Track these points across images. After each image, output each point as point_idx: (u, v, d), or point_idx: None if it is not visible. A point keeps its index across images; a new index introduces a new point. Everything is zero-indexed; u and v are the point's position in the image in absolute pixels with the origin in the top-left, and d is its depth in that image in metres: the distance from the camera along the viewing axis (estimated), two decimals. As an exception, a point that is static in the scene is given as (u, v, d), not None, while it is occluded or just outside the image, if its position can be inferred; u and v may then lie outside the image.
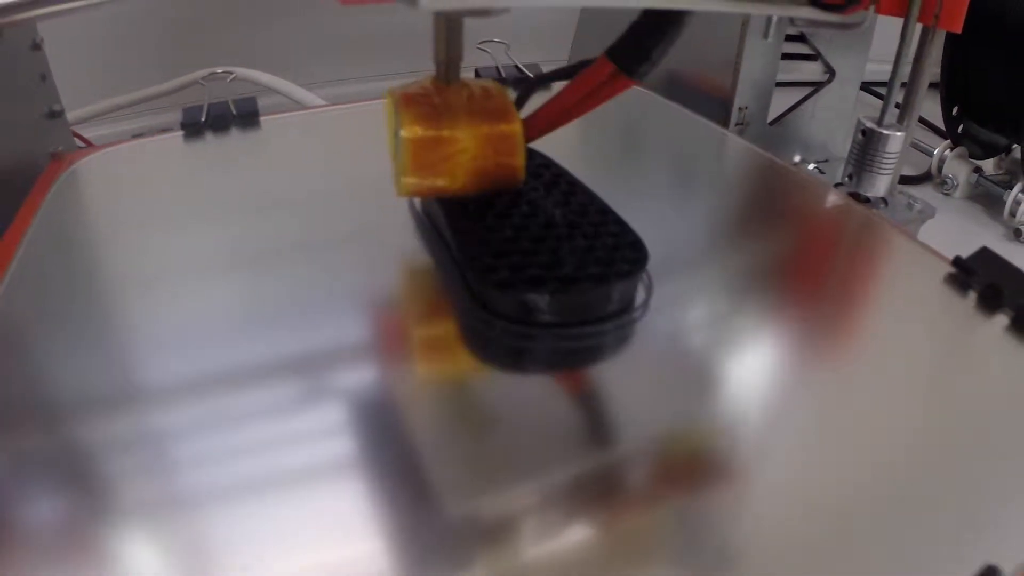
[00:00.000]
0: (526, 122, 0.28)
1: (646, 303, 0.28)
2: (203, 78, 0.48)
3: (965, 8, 0.43)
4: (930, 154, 0.78)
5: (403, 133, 0.26)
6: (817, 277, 0.34)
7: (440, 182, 0.28)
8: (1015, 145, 0.71)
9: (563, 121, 0.28)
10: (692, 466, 0.23)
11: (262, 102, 0.46)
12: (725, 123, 0.51)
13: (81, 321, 0.28)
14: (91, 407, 0.24)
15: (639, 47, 0.24)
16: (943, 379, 0.28)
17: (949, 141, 0.76)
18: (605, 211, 0.29)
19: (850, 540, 0.21)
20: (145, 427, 0.23)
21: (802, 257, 0.36)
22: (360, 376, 0.26)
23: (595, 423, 0.24)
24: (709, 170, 0.44)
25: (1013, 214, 0.68)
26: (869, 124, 0.47)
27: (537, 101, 0.30)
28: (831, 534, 0.21)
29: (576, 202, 0.30)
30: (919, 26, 0.44)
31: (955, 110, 0.77)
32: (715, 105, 0.52)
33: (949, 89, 0.77)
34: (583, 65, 0.27)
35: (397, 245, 0.33)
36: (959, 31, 0.44)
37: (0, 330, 0.28)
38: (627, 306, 0.28)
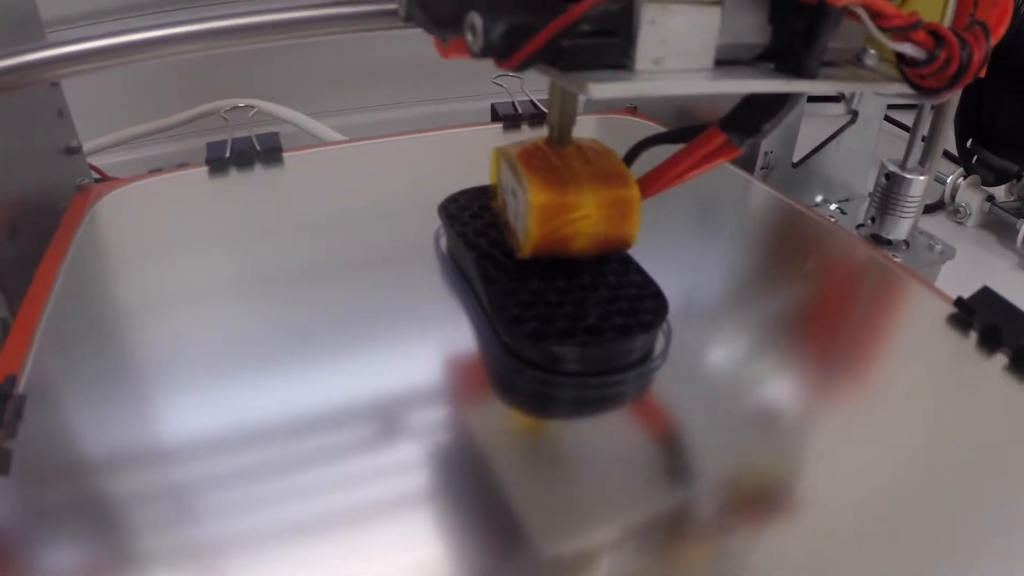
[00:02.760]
0: (639, 184, 0.28)
1: (665, 352, 0.29)
2: (224, 112, 0.48)
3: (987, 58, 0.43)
4: (943, 182, 0.78)
5: (529, 198, 0.26)
6: (830, 322, 0.34)
7: (561, 246, 0.28)
8: (1026, 173, 0.71)
9: (673, 184, 0.29)
10: (709, 500, 0.24)
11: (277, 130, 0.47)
12: (751, 166, 0.51)
13: (121, 353, 0.29)
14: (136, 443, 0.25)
15: (752, 122, 0.25)
16: (945, 416, 0.28)
17: (962, 169, 0.76)
18: (626, 260, 0.30)
19: (859, 566, 0.21)
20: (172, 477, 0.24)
21: (816, 303, 0.36)
22: (390, 419, 0.26)
23: (615, 462, 0.25)
24: (730, 217, 0.44)
25: None
26: (893, 168, 0.46)
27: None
28: (841, 561, 0.22)
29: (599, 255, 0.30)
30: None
31: (969, 142, 0.77)
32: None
33: (963, 121, 0.76)
34: (691, 130, 0.27)
35: (425, 286, 0.33)
36: (983, 74, 0.44)
37: (44, 363, 0.28)
38: (648, 355, 0.28)
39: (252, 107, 0.50)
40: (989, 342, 0.31)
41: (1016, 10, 0.67)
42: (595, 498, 0.23)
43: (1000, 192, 0.76)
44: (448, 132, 0.47)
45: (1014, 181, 0.74)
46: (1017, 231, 0.69)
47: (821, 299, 0.36)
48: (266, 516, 0.22)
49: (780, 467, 0.25)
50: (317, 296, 0.33)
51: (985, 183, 0.76)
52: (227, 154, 0.44)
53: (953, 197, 0.76)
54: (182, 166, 0.45)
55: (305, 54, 0.71)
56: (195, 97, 0.65)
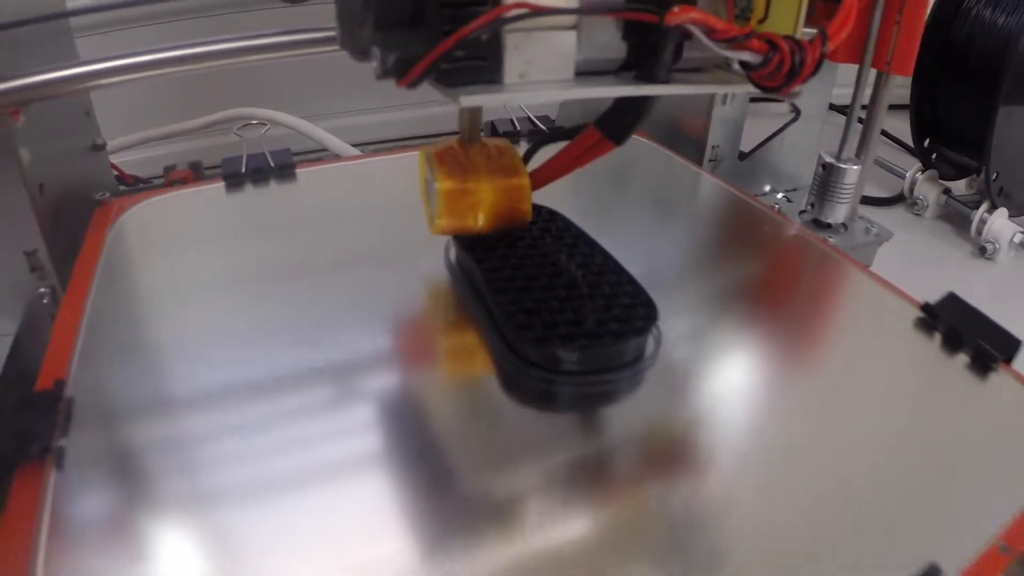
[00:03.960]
0: (532, 175, 0.34)
1: (655, 352, 0.32)
2: (238, 128, 0.53)
3: (914, 55, 0.48)
4: (903, 176, 0.82)
5: (437, 186, 0.32)
6: (805, 321, 0.37)
7: (465, 224, 0.33)
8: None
9: (560, 175, 0.34)
10: (685, 484, 0.27)
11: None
12: (700, 158, 0.56)
13: (152, 347, 0.33)
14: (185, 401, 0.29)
15: (620, 121, 0.30)
16: (909, 409, 0.32)
17: (920, 164, 0.81)
18: (619, 271, 0.34)
19: (814, 540, 0.25)
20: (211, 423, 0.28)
21: (790, 302, 0.39)
22: (411, 407, 0.30)
23: (609, 460, 0.28)
24: (684, 208, 0.49)
25: (979, 232, 0.72)
26: (829, 159, 0.51)
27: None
28: (799, 536, 0.25)
29: (594, 264, 0.34)
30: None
31: (927, 142, 0.81)
32: (692, 143, 0.57)
33: (919, 120, 0.81)
34: (576, 130, 0.33)
35: (434, 295, 0.37)
36: (910, 75, 0.48)
37: (87, 366, 0.31)
38: (640, 355, 0.32)
39: (265, 124, 0.55)
40: (952, 343, 0.34)
41: (966, 13, 0.72)
42: (589, 479, 0.27)
43: (960, 186, 0.80)
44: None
45: (974, 176, 0.78)
46: (971, 222, 0.73)
47: (762, 282, 0.40)
48: (280, 464, 0.26)
49: (749, 451, 0.29)
50: (331, 301, 0.36)
51: (946, 178, 0.80)
52: (243, 170, 0.47)
53: (912, 190, 0.80)
54: (199, 179, 0.49)
55: (307, 61, 0.76)
56: (207, 99, 0.69)
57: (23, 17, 0.40)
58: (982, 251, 0.72)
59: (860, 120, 0.51)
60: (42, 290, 0.42)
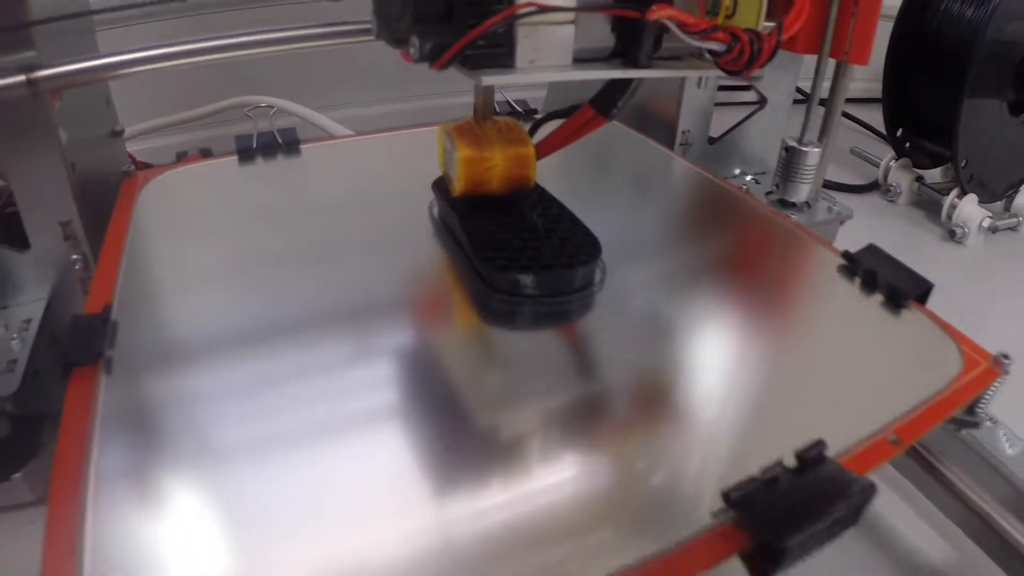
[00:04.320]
0: (537, 146, 0.39)
1: (602, 281, 0.38)
2: (249, 110, 0.57)
3: (871, 45, 0.51)
4: (878, 165, 0.85)
5: (458, 154, 0.37)
6: (740, 267, 0.43)
7: (480, 186, 0.39)
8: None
9: (561, 146, 0.39)
10: (627, 382, 0.33)
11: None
12: (672, 142, 0.60)
13: (174, 290, 0.38)
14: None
15: (610, 99, 0.35)
16: (828, 332, 0.37)
17: (894, 153, 0.84)
18: (574, 220, 0.40)
19: (730, 420, 0.30)
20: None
21: (728, 252, 0.44)
22: (399, 331, 0.36)
23: (563, 361, 0.34)
24: (654, 184, 0.53)
25: (950, 217, 0.76)
26: (791, 142, 0.55)
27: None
28: (721, 415, 0.30)
29: (552, 213, 0.40)
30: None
31: (899, 132, 0.85)
32: (664, 127, 0.61)
33: (891, 111, 0.84)
34: (573, 109, 0.38)
35: (423, 241, 0.43)
36: (867, 63, 0.51)
37: (124, 299, 0.36)
38: (589, 283, 0.38)
39: (272, 107, 0.59)
40: (869, 285, 0.39)
41: (936, 6, 0.75)
42: (548, 384, 0.32)
43: (936, 174, 0.83)
44: (438, 128, 0.57)
45: (948, 164, 0.80)
46: (942, 208, 0.77)
47: (736, 253, 0.45)
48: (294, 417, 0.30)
49: (685, 363, 0.35)
50: (330, 251, 0.42)
51: (921, 166, 0.83)
52: (254, 145, 0.52)
53: (886, 178, 0.84)
54: (211, 155, 0.53)
55: (315, 55, 0.80)
56: (217, 90, 0.72)
57: (61, 12, 0.43)
58: (952, 235, 0.76)
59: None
60: (74, 257, 0.45)
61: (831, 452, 0.27)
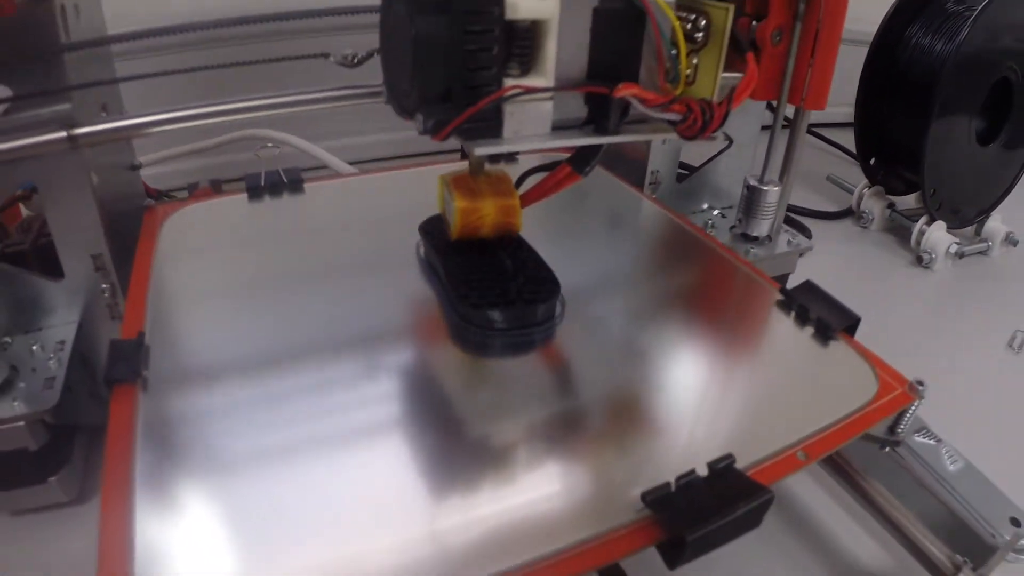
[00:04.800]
0: (521, 197, 0.44)
1: (562, 314, 0.43)
2: (257, 150, 0.62)
3: (827, 91, 0.54)
4: (851, 191, 0.90)
5: (455, 205, 0.42)
6: (689, 302, 0.47)
7: (474, 231, 0.43)
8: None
9: (541, 198, 0.44)
10: (584, 395, 0.38)
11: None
12: (642, 181, 0.65)
13: (207, 326, 0.41)
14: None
15: (584, 159, 0.40)
16: (758, 359, 0.42)
17: (867, 181, 0.88)
18: (539, 262, 0.44)
19: (657, 436, 0.35)
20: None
21: (680, 288, 0.49)
22: (389, 356, 0.40)
23: (528, 383, 0.39)
24: (621, 225, 0.58)
25: (919, 243, 0.80)
26: (752, 182, 0.59)
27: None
28: (650, 434, 0.35)
29: (520, 255, 0.45)
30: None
31: (873, 160, 0.89)
32: (635, 167, 0.66)
33: (864, 142, 0.88)
34: (552, 166, 0.43)
35: (409, 279, 0.47)
36: (823, 109, 0.54)
37: (154, 327, 0.40)
38: (550, 316, 0.42)
39: (278, 146, 0.64)
40: (802, 318, 0.43)
41: (908, 40, 0.79)
42: (514, 403, 0.37)
43: (911, 200, 0.87)
44: (428, 168, 0.61)
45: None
46: (912, 234, 0.80)
47: (685, 288, 0.49)
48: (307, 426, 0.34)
49: (633, 379, 0.39)
50: (329, 283, 0.46)
51: (896, 193, 0.87)
52: (262, 183, 0.57)
53: (859, 205, 0.87)
54: (220, 186, 0.58)
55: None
56: (221, 122, 0.75)
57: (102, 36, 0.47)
58: (919, 260, 0.80)
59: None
60: (104, 286, 0.49)
61: (744, 464, 0.32)
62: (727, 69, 0.36)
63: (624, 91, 0.32)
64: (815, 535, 0.47)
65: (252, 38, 0.53)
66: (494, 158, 0.45)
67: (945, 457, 0.43)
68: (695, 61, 0.36)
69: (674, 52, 0.34)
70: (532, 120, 0.33)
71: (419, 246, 0.49)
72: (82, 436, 0.49)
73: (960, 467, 0.43)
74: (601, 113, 0.34)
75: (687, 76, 0.36)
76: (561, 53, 0.32)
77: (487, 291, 0.41)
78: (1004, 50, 0.77)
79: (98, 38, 0.44)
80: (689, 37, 0.35)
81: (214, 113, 0.44)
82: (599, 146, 0.38)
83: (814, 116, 1.09)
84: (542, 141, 0.33)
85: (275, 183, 0.57)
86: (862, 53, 0.85)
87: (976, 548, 0.38)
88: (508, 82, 0.32)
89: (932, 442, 0.43)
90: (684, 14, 0.36)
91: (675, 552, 0.28)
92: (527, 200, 0.44)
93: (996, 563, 0.38)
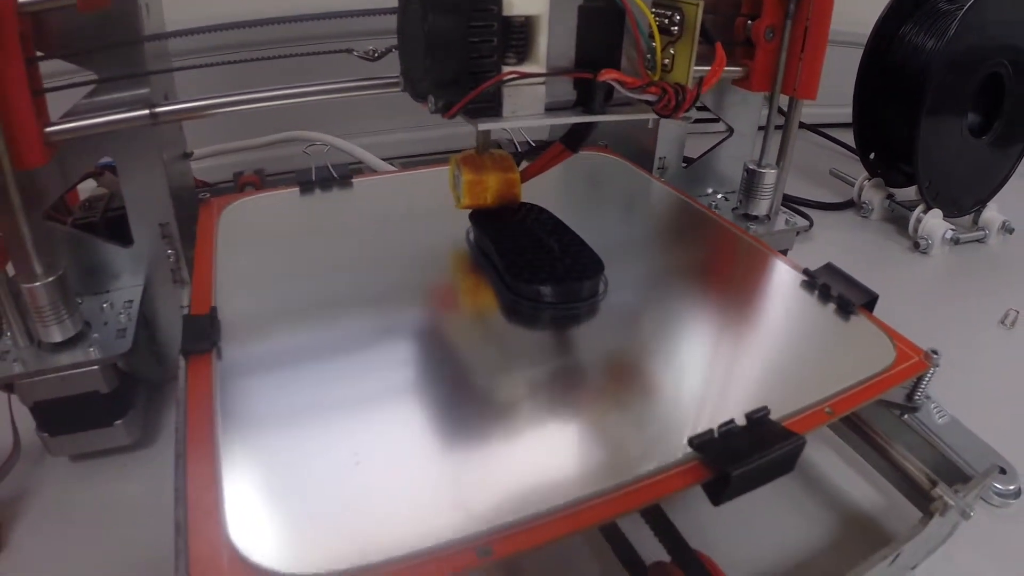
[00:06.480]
0: (521, 172, 0.49)
1: (605, 292, 0.46)
2: (306, 148, 0.68)
3: (818, 82, 0.59)
4: (852, 184, 0.94)
5: (462, 178, 0.47)
6: (719, 281, 0.51)
7: (479, 202, 0.49)
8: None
9: (540, 172, 0.50)
10: (623, 371, 0.40)
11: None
12: (650, 166, 0.70)
13: (266, 303, 0.45)
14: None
15: (575, 137, 0.46)
16: (787, 332, 0.45)
17: (867, 173, 0.92)
18: (581, 243, 0.48)
19: (699, 394, 0.38)
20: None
21: (707, 268, 0.53)
22: (444, 330, 0.43)
23: (575, 352, 0.42)
24: (639, 206, 0.63)
25: (916, 230, 0.84)
26: (751, 165, 0.64)
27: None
28: (692, 392, 0.38)
29: (565, 238, 0.48)
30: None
31: (872, 155, 0.92)
32: (644, 154, 0.71)
33: (863, 138, 0.92)
34: (548, 144, 0.48)
35: (462, 261, 0.51)
36: (814, 99, 0.60)
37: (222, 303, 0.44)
38: (594, 293, 0.46)
39: (327, 145, 0.70)
40: (825, 296, 0.47)
41: (901, 39, 0.83)
42: (575, 368, 0.40)
43: (911, 192, 0.89)
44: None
45: None
46: (909, 221, 0.84)
47: (689, 256, 0.54)
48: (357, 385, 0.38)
49: (672, 351, 0.43)
50: (383, 265, 0.49)
51: (897, 185, 0.90)
52: (313, 178, 0.60)
53: (860, 196, 0.91)
54: (263, 181, 0.63)
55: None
56: (266, 120, 0.78)
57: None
58: (917, 247, 0.84)
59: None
60: (169, 252, 0.55)
61: (778, 416, 0.35)
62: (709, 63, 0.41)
63: (606, 76, 0.38)
64: (815, 481, 0.51)
65: (284, 41, 0.58)
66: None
67: (934, 412, 0.50)
68: (672, 51, 0.41)
69: (654, 44, 0.40)
70: (528, 101, 0.39)
71: (469, 232, 0.54)
72: (146, 388, 0.55)
73: (946, 420, 0.50)
74: (588, 95, 0.40)
75: (666, 64, 0.42)
76: (551, 44, 0.38)
77: (538, 269, 0.45)
78: (994, 46, 0.80)
79: (174, 31, 0.50)
80: (665, 30, 0.41)
81: (259, 99, 0.50)
82: (589, 125, 0.44)
83: (817, 116, 1.13)
84: (536, 119, 0.39)
85: (325, 178, 0.60)
86: (855, 56, 0.89)
87: (956, 478, 0.43)
88: (507, 69, 0.38)
89: (924, 399, 0.48)
90: (661, 11, 0.41)
91: (720, 488, 0.31)
92: (526, 175, 0.50)
93: (972, 493, 0.42)
